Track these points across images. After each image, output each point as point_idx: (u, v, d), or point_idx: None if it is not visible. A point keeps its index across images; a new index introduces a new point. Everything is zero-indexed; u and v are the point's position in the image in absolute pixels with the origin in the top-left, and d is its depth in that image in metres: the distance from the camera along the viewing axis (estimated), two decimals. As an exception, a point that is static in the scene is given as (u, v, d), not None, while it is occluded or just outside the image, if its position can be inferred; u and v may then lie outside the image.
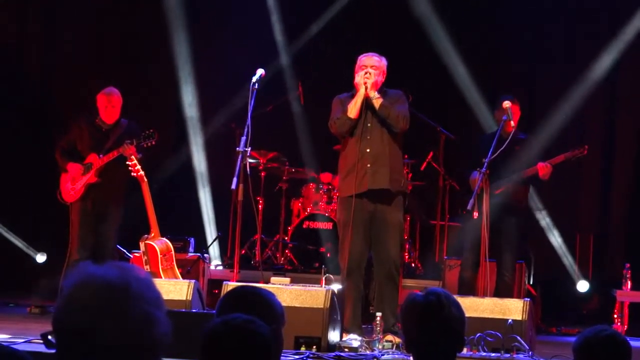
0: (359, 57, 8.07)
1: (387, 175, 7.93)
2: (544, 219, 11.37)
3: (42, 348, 6.72)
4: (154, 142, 9.14)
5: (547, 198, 11.31)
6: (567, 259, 11.52)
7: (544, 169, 8.84)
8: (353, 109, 7.91)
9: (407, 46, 11.98)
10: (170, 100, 12.52)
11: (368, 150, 7.90)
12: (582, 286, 11.34)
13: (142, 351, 2.23)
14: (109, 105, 9.48)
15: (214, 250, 11.21)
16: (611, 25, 11.84)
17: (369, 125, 7.93)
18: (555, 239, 11.56)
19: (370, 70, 7.93)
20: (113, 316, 2.19)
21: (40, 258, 11.84)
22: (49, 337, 2.29)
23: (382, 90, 8.02)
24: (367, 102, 7.92)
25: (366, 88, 7.88)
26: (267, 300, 3.39)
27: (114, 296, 2.21)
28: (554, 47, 12.12)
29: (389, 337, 7.53)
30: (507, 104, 8.61)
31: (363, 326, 8.10)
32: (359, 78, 7.95)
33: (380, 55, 8.08)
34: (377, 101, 7.91)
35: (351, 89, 8.07)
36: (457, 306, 3.54)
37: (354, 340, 7.51)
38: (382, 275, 7.97)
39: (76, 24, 12.35)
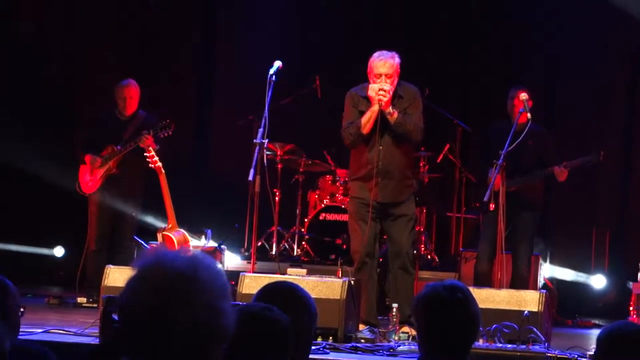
0: (372, 60, 7.87)
1: (397, 189, 7.95)
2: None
3: (60, 338, 6.72)
4: (170, 133, 9.18)
5: (563, 192, 11.29)
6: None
7: (560, 174, 8.86)
8: (367, 125, 7.81)
9: (427, 37, 12.00)
10: (189, 90, 12.58)
11: (380, 164, 7.87)
12: (599, 282, 11.33)
13: (205, 339, 2.25)
14: (127, 97, 9.54)
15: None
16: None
17: (381, 135, 7.85)
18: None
19: (385, 86, 7.75)
20: (179, 302, 2.21)
21: (59, 252, 11.90)
22: (113, 314, 2.32)
23: (397, 94, 7.89)
24: (381, 113, 7.79)
25: (380, 106, 7.75)
26: (303, 298, 3.41)
27: (181, 283, 2.23)
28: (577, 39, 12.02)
29: (405, 328, 7.55)
30: (524, 95, 8.59)
31: (379, 318, 8.12)
32: (372, 92, 7.76)
33: (393, 54, 7.89)
34: (392, 118, 7.80)
35: (365, 81, 8.02)
36: (475, 301, 3.57)
37: (370, 331, 7.55)
38: (397, 267, 7.99)
39: (95, 13, 12.35)
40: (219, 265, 2.37)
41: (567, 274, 11.31)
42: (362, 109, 7.91)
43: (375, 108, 7.77)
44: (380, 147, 7.86)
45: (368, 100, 7.85)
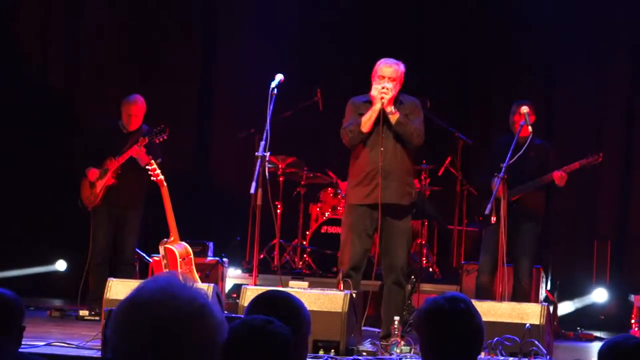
0: (378, 63, 8.04)
1: (398, 190, 7.98)
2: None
3: (62, 351, 6.70)
4: (165, 137, 9.22)
5: (565, 204, 11.30)
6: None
7: (559, 178, 8.86)
8: (367, 123, 7.92)
9: (428, 49, 12.02)
10: (191, 102, 12.60)
11: (381, 163, 7.93)
12: (600, 295, 11.31)
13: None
14: (132, 114, 9.54)
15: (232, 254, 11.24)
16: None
17: (383, 136, 7.93)
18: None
19: (387, 84, 7.88)
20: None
21: (61, 266, 11.89)
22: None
23: (398, 100, 8.02)
24: (383, 114, 7.91)
25: (382, 104, 7.88)
26: (297, 307, 3.39)
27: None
28: (575, 50, 12.03)
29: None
30: (525, 109, 8.63)
31: (377, 330, 8.14)
32: (375, 92, 7.91)
33: (398, 62, 8.05)
34: (393, 117, 7.90)
35: (368, 92, 8.09)
36: (478, 312, 3.54)
37: (371, 344, 7.55)
38: (390, 281, 8.06)
39: (99, 21, 12.36)
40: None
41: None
42: (362, 112, 8.02)
43: (377, 107, 7.89)
44: (382, 149, 7.92)
45: (369, 104, 7.97)
